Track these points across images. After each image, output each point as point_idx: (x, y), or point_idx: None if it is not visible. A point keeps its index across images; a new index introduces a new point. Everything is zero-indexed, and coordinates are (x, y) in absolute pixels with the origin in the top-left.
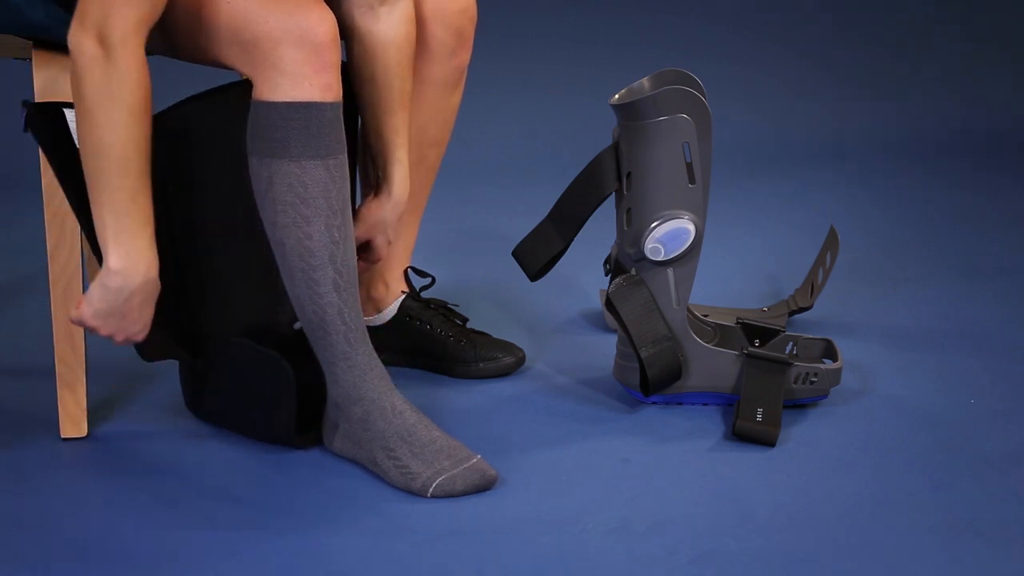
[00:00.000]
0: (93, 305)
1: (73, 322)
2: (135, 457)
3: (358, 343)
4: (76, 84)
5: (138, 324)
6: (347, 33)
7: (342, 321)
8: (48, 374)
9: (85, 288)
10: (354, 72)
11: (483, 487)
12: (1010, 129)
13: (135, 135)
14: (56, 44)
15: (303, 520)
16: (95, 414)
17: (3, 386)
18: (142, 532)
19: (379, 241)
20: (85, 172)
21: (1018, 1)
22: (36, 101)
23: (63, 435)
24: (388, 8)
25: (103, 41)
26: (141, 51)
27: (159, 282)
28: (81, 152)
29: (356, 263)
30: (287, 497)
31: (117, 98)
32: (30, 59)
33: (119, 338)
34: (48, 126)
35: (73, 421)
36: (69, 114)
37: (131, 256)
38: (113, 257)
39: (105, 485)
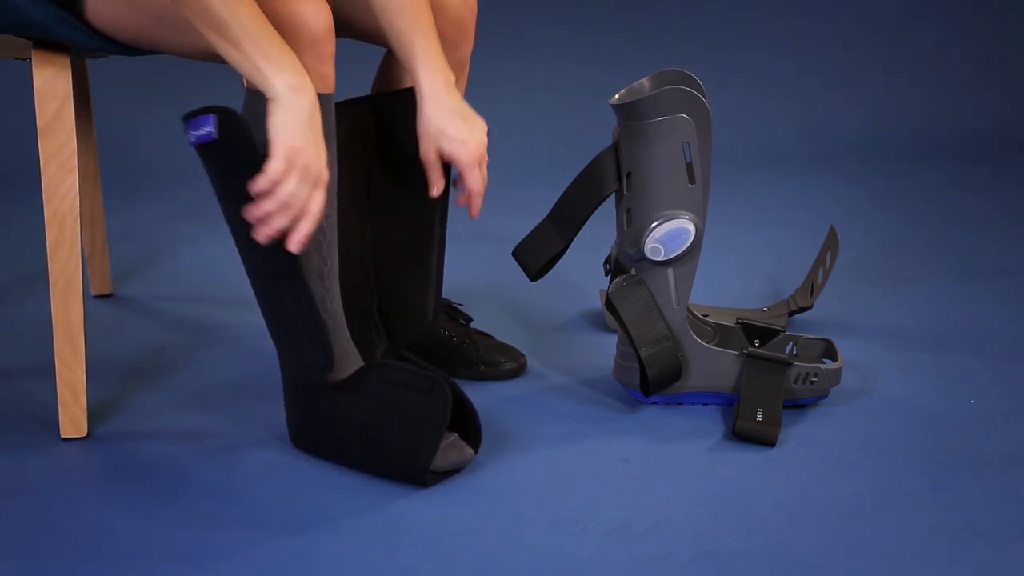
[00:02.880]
0: (283, 139)
1: (263, 188)
2: (135, 457)
3: (338, 330)
4: None
5: (322, 157)
6: None
7: (323, 310)
8: (48, 374)
9: (85, 288)
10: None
11: (461, 465)
12: (1010, 129)
13: None
14: (56, 44)
15: (303, 520)
16: (95, 414)
17: (3, 386)
18: (142, 532)
19: (457, 154)
20: (203, 26)
21: (1018, 1)
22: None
23: (63, 435)
24: None
25: None
26: None
27: None
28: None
29: (337, 254)
30: (287, 497)
31: None
32: (30, 59)
33: (303, 195)
34: (241, 121)
35: (73, 421)
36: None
37: (295, 68)
38: (278, 78)
39: (105, 485)
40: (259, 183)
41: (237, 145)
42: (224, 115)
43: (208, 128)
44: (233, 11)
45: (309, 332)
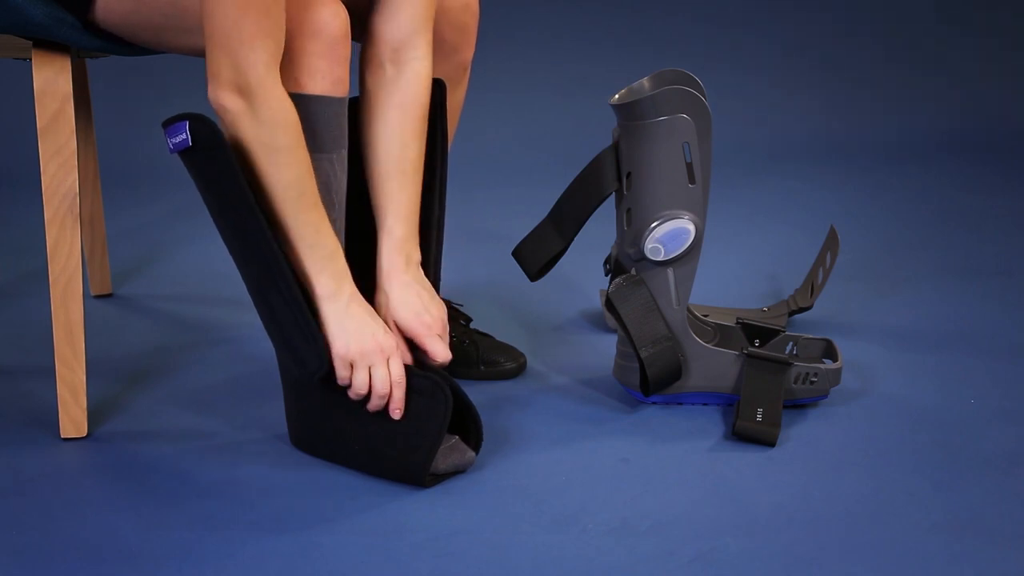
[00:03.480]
0: (334, 350)
1: (358, 391)
2: (135, 457)
3: None
4: (233, 139)
5: (376, 333)
6: (359, 87)
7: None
8: (48, 374)
9: (85, 288)
10: (359, 127)
11: (462, 468)
12: (1009, 129)
13: (300, 171)
14: (56, 44)
15: (303, 520)
16: (95, 414)
17: (3, 386)
18: (142, 532)
19: (414, 327)
20: (270, 216)
21: (1018, 1)
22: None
23: (63, 435)
24: (398, 69)
25: (243, 92)
26: (279, 89)
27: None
28: (259, 198)
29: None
30: (287, 497)
31: (272, 144)
32: (30, 59)
33: (379, 376)
34: (213, 127)
35: (73, 421)
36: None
37: (333, 272)
38: (320, 283)
39: (105, 485)
40: (344, 383)
41: (211, 151)
42: (197, 121)
43: (182, 135)
44: (298, 216)
45: (302, 333)
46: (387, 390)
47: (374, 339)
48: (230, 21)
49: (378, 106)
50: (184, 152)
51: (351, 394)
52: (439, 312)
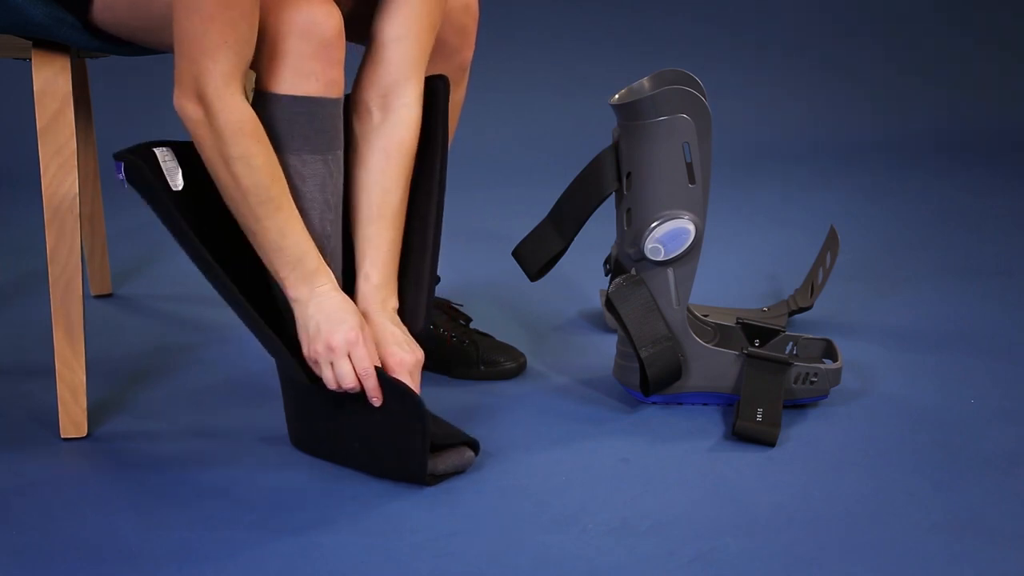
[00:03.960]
0: (304, 352)
1: (329, 387)
2: (135, 457)
3: None
4: (196, 145)
5: (335, 332)
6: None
7: None
8: (48, 374)
9: (85, 288)
10: (346, 167)
11: (461, 468)
12: (1009, 129)
13: (259, 178)
14: (56, 44)
15: (303, 520)
16: (95, 414)
17: (3, 386)
18: (142, 532)
19: (392, 363)
20: (238, 221)
21: (1018, 1)
22: (125, 149)
23: (63, 435)
24: (384, 115)
25: (201, 100)
26: (239, 99)
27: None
28: (226, 201)
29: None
30: (287, 497)
31: (229, 153)
32: (30, 59)
33: (342, 368)
34: (143, 171)
35: (73, 421)
36: (160, 153)
37: (306, 282)
38: (296, 288)
39: (105, 485)
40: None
41: (147, 192)
42: (131, 166)
43: (120, 175)
44: (261, 221)
45: (273, 349)
46: (353, 383)
47: (334, 335)
48: (195, 30)
49: (363, 151)
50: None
51: (329, 389)
52: (417, 356)
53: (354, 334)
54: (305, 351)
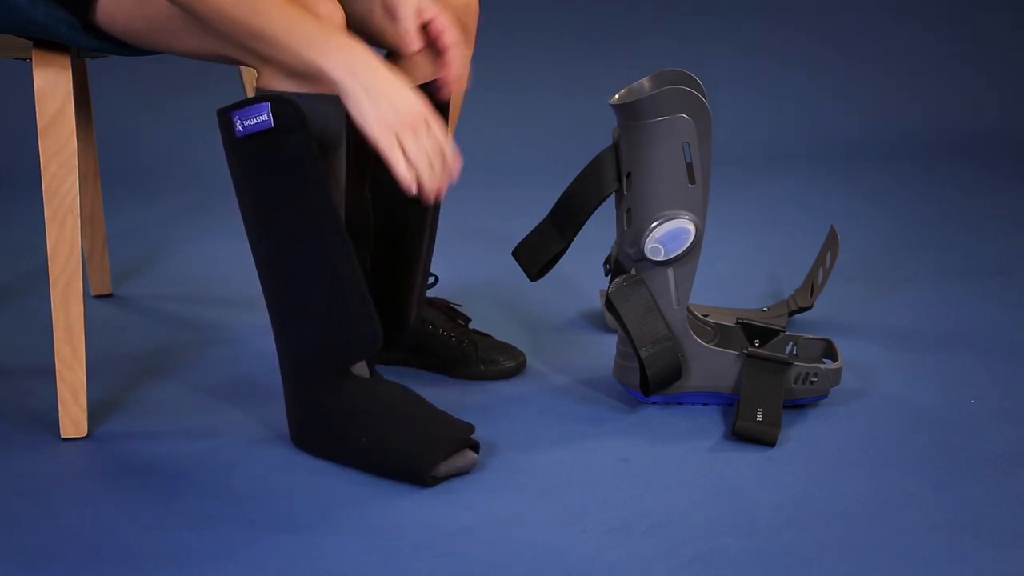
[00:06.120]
0: (374, 125)
1: (405, 175)
2: (135, 457)
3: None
4: None
5: (408, 96)
6: None
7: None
8: (48, 374)
9: (85, 288)
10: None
11: (464, 470)
12: (1009, 129)
13: None
14: (56, 44)
15: (303, 520)
16: (95, 414)
17: (3, 386)
18: (142, 532)
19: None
20: (242, 38)
21: (1018, 1)
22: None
23: (63, 435)
24: None
25: None
26: None
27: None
28: (223, 26)
29: None
30: (287, 497)
31: None
32: (30, 59)
33: (432, 141)
34: (297, 108)
35: (73, 421)
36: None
37: (338, 44)
38: (329, 66)
39: (105, 485)
40: (400, 171)
41: (291, 134)
42: (280, 102)
43: (263, 116)
44: (257, 13)
45: (353, 308)
46: (436, 153)
47: (414, 104)
48: None
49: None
50: (253, 137)
51: (408, 170)
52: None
53: (422, 102)
54: (371, 128)
